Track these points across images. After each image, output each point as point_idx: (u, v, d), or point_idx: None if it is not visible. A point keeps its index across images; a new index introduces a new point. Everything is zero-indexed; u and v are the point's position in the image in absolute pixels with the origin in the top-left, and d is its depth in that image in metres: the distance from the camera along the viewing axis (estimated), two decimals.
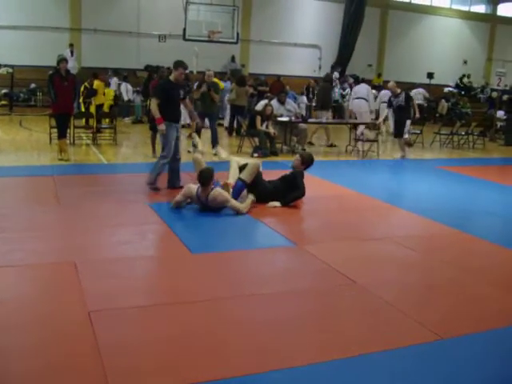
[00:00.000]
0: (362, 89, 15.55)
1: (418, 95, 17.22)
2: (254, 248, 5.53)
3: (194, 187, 6.64)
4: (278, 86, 19.32)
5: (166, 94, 7.61)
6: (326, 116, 13.74)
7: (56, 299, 4.05)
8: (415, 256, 5.45)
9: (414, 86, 19.37)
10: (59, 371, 3.09)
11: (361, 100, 15.16)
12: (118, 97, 17.07)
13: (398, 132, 12.27)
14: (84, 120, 13.67)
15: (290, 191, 7.19)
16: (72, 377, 3.04)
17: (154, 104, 7.65)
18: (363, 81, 16.56)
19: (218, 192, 6.50)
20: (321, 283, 4.61)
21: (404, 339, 3.62)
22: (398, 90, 12.12)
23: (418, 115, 12.93)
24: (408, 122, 12.42)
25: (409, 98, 12.13)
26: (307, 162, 7.69)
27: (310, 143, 13.84)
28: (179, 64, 7.67)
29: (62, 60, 9.92)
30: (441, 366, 3.35)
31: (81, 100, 14.46)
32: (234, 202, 6.55)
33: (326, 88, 14.43)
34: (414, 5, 27.41)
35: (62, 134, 10.15)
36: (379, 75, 25.85)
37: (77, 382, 2.99)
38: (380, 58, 27.42)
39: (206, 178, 6.47)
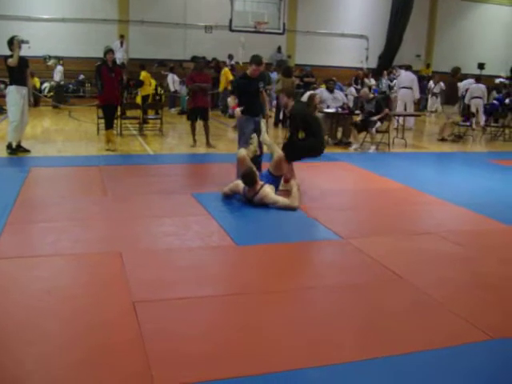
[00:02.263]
0: (407, 78, 15.28)
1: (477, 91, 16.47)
2: (300, 241, 5.46)
3: (241, 185, 6.57)
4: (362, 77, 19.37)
5: (240, 89, 7.77)
6: (452, 111, 13.60)
7: (101, 289, 4.07)
8: (464, 252, 5.28)
9: (466, 76, 18.87)
10: (102, 359, 3.10)
11: (406, 90, 14.92)
12: (160, 87, 16.99)
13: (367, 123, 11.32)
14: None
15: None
16: (114, 364, 3.05)
17: (230, 98, 8.12)
18: (407, 69, 16.27)
19: (265, 193, 6.41)
20: (367, 278, 4.51)
21: (451, 338, 3.50)
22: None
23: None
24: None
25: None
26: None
27: (443, 139, 13.59)
28: (251, 60, 7.73)
29: (109, 51, 10.03)
30: (489, 365, 3.23)
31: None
32: (282, 201, 6.43)
33: (452, 83, 14.13)
34: None
35: (108, 125, 10.29)
36: (428, 66, 25.38)
37: (119, 370, 3.00)
38: (429, 48, 26.89)
39: (249, 180, 6.43)
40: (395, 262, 4.78)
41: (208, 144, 11.07)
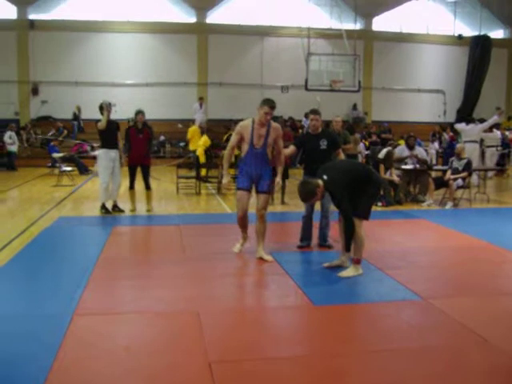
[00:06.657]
0: (474, 130, 14.69)
1: None
2: (378, 301, 5.32)
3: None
4: None
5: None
6: None
7: (178, 348, 4.10)
8: None
9: None
10: None
11: (471, 144, 14.21)
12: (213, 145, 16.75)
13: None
14: (203, 170, 14.07)
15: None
16: None
17: None
18: (473, 121, 15.52)
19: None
20: (449, 341, 4.32)
21: None
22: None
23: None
24: None
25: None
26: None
27: None
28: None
29: (139, 113, 10.01)
30: None
31: (201, 150, 14.80)
32: None
33: None
34: None
35: (131, 185, 10.13)
36: (509, 118, 24.73)
37: None
38: (509, 100, 26.30)
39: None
40: (479, 324, 4.56)
41: (283, 202, 11.16)
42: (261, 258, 6.59)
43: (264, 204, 6.62)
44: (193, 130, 17.13)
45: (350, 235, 6.01)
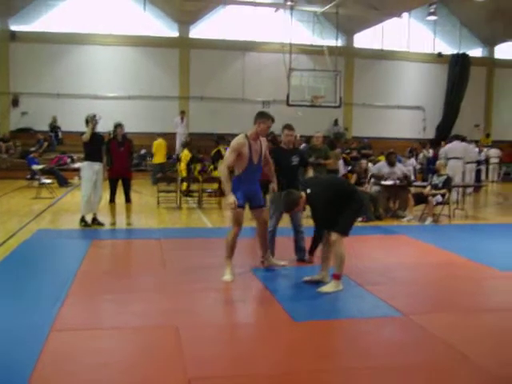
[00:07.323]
0: (457, 147, 14.73)
1: None
2: (359, 317, 5.32)
3: None
4: None
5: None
6: None
7: (157, 364, 4.05)
8: None
9: None
10: None
11: (456, 160, 14.33)
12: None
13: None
14: (184, 184, 14.07)
15: None
16: None
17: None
18: (457, 138, 15.61)
19: None
20: (429, 358, 4.31)
21: None
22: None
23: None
24: None
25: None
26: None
27: None
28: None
29: (118, 126, 9.97)
30: None
31: (183, 165, 14.87)
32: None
33: None
34: None
35: (112, 199, 10.03)
36: (487, 135, 25.06)
37: None
38: (488, 117, 26.66)
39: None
40: (460, 341, 4.57)
41: None
42: (274, 265, 7.02)
43: (267, 215, 7.00)
44: (158, 143, 17.66)
45: (317, 242, 6.64)
